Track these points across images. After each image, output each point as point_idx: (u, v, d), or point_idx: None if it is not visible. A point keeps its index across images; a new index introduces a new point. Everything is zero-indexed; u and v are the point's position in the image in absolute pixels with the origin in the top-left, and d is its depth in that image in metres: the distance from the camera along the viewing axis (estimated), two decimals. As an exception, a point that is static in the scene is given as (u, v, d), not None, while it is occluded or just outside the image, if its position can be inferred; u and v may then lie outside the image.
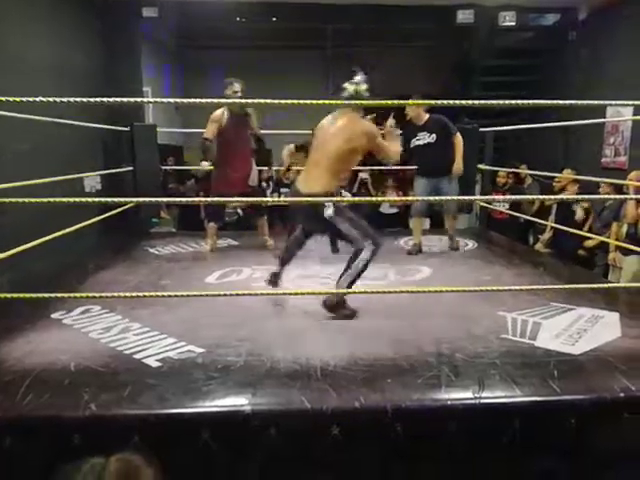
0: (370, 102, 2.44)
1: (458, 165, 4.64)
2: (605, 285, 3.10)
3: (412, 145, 4.71)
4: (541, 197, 4.97)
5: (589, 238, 4.80)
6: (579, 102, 2.76)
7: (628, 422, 2.11)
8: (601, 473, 2.18)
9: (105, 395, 2.07)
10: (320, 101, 2.37)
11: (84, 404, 2.00)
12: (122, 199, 2.75)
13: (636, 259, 4.41)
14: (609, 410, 2.15)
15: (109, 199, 2.42)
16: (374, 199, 6.45)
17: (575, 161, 6.58)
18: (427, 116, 4.66)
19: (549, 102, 2.61)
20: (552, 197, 5.03)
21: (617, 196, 4.32)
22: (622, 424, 2.12)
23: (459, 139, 4.64)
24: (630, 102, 3.12)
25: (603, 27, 6.42)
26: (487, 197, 5.69)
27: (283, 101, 2.44)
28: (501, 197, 5.28)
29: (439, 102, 2.42)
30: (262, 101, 2.43)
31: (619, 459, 2.20)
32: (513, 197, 4.74)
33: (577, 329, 2.84)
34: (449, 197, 4.72)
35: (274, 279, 3.40)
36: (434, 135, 4.62)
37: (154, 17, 6.13)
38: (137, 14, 6.10)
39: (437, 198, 4.69)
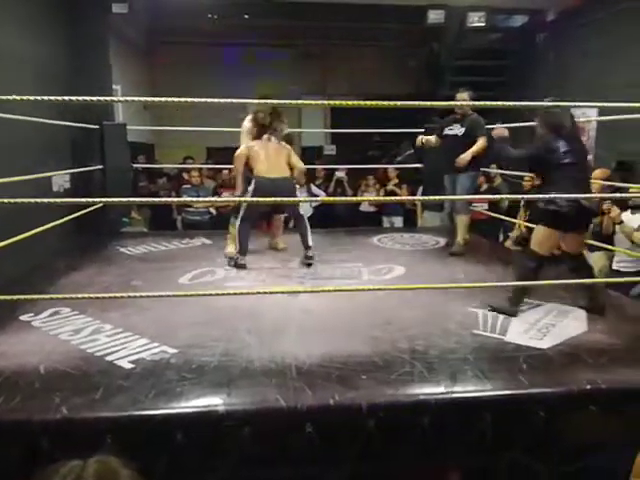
0: (342, 102, 2.45)
1: (465, 156, 4.49)
2: (572, 281, 3.19)
3: (444, 132, 4.76)
4: (553, 196, 4.95)
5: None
6: (546, 104, 2.83)
7: (594, 414, 2.18)
8: (570, 465, 2.25)
9: (76, 398, 2.04)
10: (294, 101, 2.38)
11: (55, 407, 1.97)
12: (90, 199, 2.69)
13: (602, 255, 4.54)
14: (576, 403, 2.21)
15: (77, 200, 2.37)
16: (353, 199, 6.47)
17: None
18: (469, 112, 4.66)
19: (517, 103, 2.68)
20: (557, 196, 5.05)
21: (607, 195, 4.31)
22: (589, 416, 2.19)
23: (482, 140, 4.53)
24: (594, 104, 3.22)
25: (570, 30, 6.58)
26: (495, 197, 5.65)
27: (263, 101, 2.44)
28: (517, 196, 5.24)
29: (413, 103, 2.46)
30: (236, 101, 2.42)
31: (587, 451, 2.27)
32: (524, 196, 4.69)
33: (545, 324, 2.92)
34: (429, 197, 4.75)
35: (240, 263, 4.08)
36: (463, 129, 4.62)
37: (124, 13, 6.03)
38: (106, 10, 5.98)
39: (428, 198, 4.71)
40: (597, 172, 4.78)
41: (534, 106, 2.77)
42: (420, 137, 5.00)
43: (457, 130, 4.66)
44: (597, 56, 6.09)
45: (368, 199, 6.80)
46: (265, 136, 4.30)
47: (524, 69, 7.55)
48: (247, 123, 4.46)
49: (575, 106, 4.81)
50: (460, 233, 4.75)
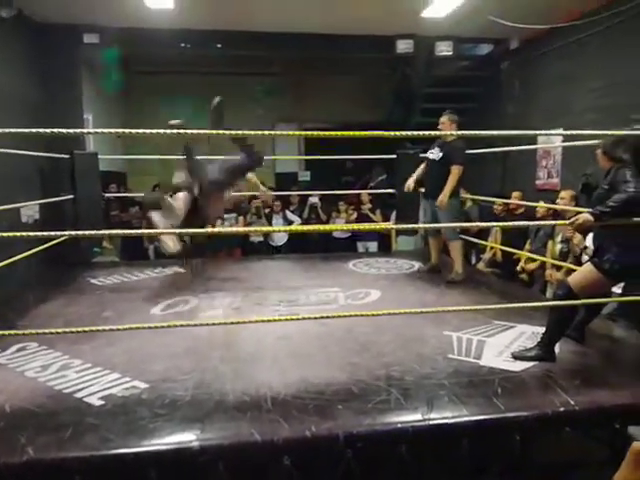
0: (318, 133, 2.49)
1: (443, 196, 4.43)
2: (543, 304, 3.24)
3: (426, 154, 4.79)
4: (530, 223, 4.97)
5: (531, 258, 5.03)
6: (514, 132, 2.94)
7: (570, 435, 2.20)
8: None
9: (44, 438, 1.97)
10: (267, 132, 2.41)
11: (21, 448, 1.90)
12: (58, 233, 2.62)
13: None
14: (551, 425, 2.23)
15: (45, 233, 2.31)
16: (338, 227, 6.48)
17: (512, 184, 6.89)
18: (453, 137, 4.51)
19: (486, 132, 2.76)
20: (532, 223, 5.06)
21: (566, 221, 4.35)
22: (564, 438, 2.21)
23: (456, 170, 4.45)
24: (559, 132, 3.33)
25: (533, 57, 6.83)
26: (481, 224, 5.57)
27: (235, 132, 2.45)
28: (495, 224, 5.26)
29: (386, 133, 2.51)
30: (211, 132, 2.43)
31: (564, 472, 2.28)
32: (506, 224, 4.69)
33: (518, 346, 2.95)
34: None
35: None
36: (441, 154, 4.57)
37: (96, 43, 6.04)
38: (78, 40, 5.99)
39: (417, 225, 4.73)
40: (562, 194, 4.92)
41: (506, 135, 2.85)
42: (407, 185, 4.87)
43: (435, 155, 4.63)
44: (559, 82, 6.32)
45: (348, 227, 6.83)
46: None
47: (492, 95, 7.77)
48: None
49: (539, 134, 4.97)
50: (457, 261, 4.67)
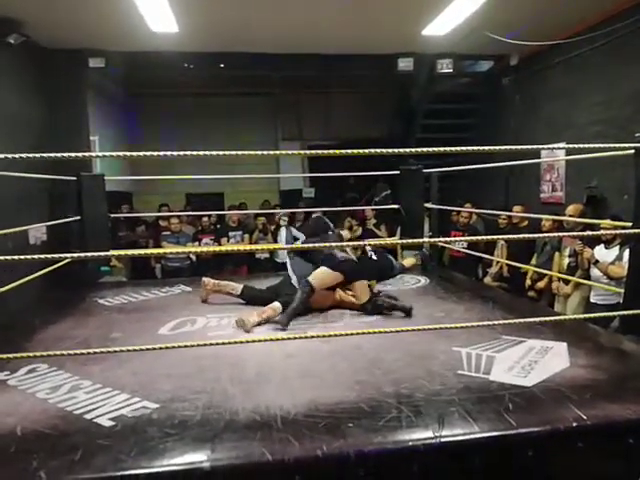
0: (323, 152, 2.52)
1: None
2: (553, 318, 3.23)
3: None
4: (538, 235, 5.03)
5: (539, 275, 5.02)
6: (516, 147, 2.95)
7: (583, 451, 2.18)
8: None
9: (55, 460, 1.96)
10: (272, 152, 2.43)
11: (33, 472, 1.89)
12: (63, 255, 2.63)
13: (578, 292, 4.64)
14: (564, 440, 2.21)
15: (50, 255, 2.32)
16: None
17: (516, 198, 6.91)
18: None
19: (489, 147, 2.78)
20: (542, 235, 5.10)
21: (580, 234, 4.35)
22: (577, 453, 2.18)
23: None
24: (562, 145, 3.35)
25: (534, 72, 6.90)
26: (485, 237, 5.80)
27: (240, 152, 2.47)
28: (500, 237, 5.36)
29: (390, 150, 2.54)
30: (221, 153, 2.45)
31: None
32: (510, 236, 4.74)
33: (528, 361, 2.93)
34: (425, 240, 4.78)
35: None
36: None
37: (101, 67, 6.14)
38: (83, 64, 6.09)
39: (424, 241, 4.74)
40: (570, 208, 4.91)
41: (509, 150, 2.86)
42: None
43: None
44: (561, 97, 6.37)
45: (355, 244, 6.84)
46: None
47: (493, 110, 7.83)
48: None
49: (542, 148, 4.99)
50: None
